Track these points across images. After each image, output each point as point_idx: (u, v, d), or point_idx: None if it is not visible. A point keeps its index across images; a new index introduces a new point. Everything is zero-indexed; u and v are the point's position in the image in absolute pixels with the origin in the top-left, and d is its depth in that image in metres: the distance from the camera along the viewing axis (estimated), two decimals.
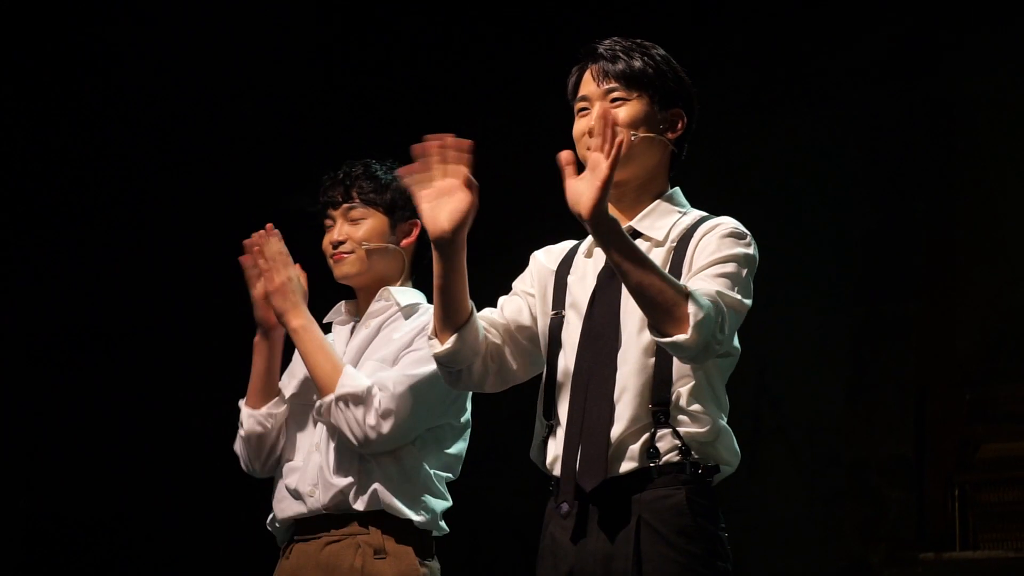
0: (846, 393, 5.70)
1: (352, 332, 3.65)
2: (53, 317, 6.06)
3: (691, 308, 2.63)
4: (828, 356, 5.71)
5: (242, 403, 3.64)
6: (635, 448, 2.76)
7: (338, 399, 3.42)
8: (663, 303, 2.64)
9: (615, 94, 2.91)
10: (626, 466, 2.76)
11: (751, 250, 2.84)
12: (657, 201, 2.93)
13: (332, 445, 3.48)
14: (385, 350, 3.53)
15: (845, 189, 5.74)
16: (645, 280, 2.64)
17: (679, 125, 2.94)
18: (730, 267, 2.78)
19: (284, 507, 3.54)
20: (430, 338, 2.91)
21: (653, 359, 2.78)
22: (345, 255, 3.61)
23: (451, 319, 2.86)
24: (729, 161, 5.79)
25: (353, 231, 3.61)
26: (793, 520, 5.62)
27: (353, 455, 3.45)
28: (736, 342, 2.83)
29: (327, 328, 3.70)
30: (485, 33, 6.10)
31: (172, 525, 6.10)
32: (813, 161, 5.78)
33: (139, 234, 6.11)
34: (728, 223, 2.86)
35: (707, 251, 2.81)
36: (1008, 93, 5.62)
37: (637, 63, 2.91)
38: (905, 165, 5.74)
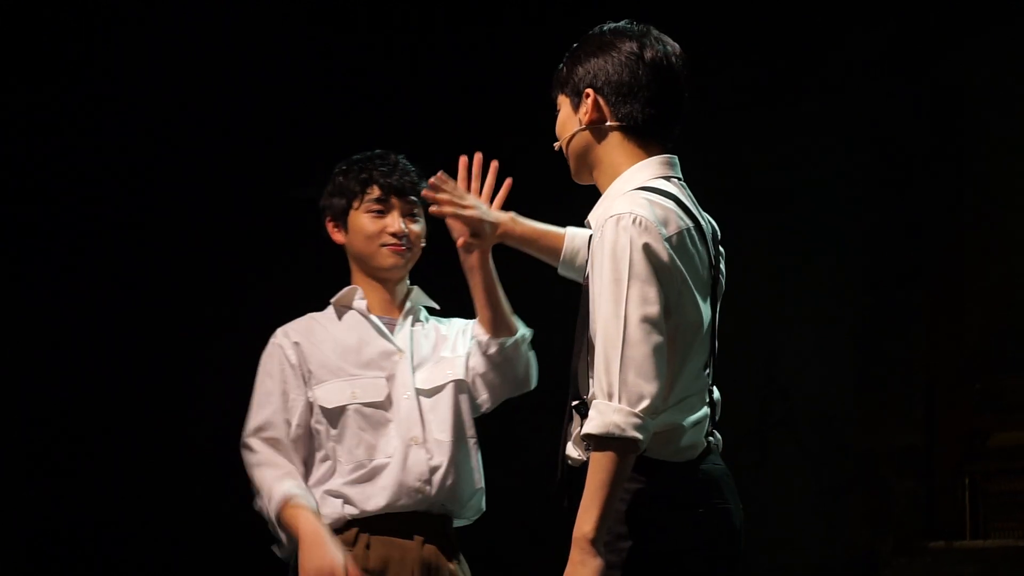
0: (855, 383, 5.69)
1: (389, 324, 3.53)
2: (52, 315, 6.05)
3: (593, 430, 2.61)
4: (837, 346, 5.70)
5: None
6: (571, 442, 2.80)
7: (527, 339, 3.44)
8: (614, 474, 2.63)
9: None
10: (570, 461, 2.80)
11: (622, 240, 2.66)
12: (610, 187, 2.86)
13: (441, 443, 3.43)
14: (445, 349, 3.51)
15: (854, 179, 5.74)
16: (603, 506, 2.61)
17: (589, 106, 2.85)
18: (601, 318, 2.65)
19: (375, 500, 3.39)
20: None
21: (572, 360, 2.79)
22: (407, 249, 3.51)
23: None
24: (738, 152, 5.79)
25: (413, 226, 3.52)
26: (802, 510, 5.61)
27: (461, 456, 3.43)
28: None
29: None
30: (493, 27, 6.09)
31: (171, 526, 6.10)
32: (822, 152, 5.77)
33: (139, 232, 6.10)
34: (607, 227, 2.70)
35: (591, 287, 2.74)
36: (1015, 83, 5.62)
37: (557, 74, 2.93)
38: (914, 155, 5.74)
